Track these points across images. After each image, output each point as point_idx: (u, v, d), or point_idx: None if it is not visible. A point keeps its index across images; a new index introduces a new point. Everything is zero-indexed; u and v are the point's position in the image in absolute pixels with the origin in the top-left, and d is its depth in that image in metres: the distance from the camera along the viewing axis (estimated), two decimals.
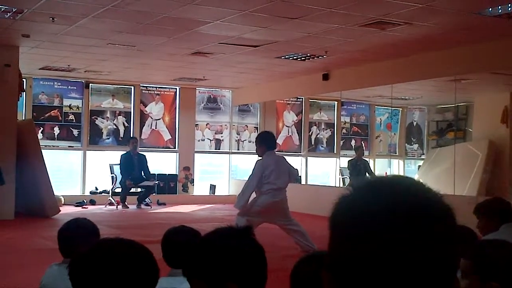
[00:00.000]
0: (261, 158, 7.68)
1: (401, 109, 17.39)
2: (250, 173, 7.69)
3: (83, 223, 3.14)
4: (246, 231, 1.69)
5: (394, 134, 17.63)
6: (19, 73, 10.92)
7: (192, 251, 1.65)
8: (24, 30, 9.39)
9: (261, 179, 7.43)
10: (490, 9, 7.65)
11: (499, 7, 7.57)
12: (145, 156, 13.80)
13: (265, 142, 7.63)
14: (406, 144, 17.64)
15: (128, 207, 12.98)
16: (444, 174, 13.47)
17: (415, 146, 17.72)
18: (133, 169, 13.32)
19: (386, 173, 15.60)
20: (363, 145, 16.35)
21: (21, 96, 11.55)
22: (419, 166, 16.64)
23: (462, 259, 2.07)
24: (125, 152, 13.58)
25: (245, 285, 1.60)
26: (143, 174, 13.56)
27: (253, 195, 7.67)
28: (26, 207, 10.94)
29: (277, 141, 16.03)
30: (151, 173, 13.82)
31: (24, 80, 12.23)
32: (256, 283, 1.63)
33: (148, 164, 13.73)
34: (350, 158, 14.57)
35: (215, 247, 1.62)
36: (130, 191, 13.46)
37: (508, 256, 2.06)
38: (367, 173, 13.93)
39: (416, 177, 15.78)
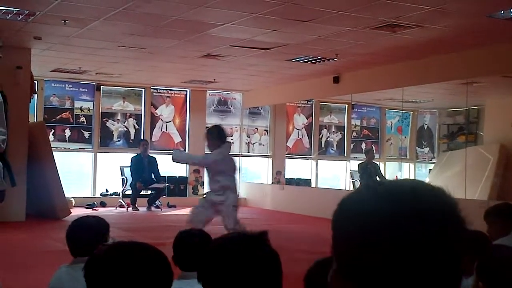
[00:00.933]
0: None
1: (412, 112, 17.33)
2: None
3: (91, 221, 3.15)
4: (260, 237, 1.68)
5: (405, 137, 17.56)
6: (30, 75, 10.97)
7: (206, 258, 1.64)
8: (36, 33, 9.44)
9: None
10: (502, 12, 7.61)
11: (511, 10, 7.53)
12: (155, 158, 13.83)
13: (218, 135, 7.55)
14: (417, 147, 17.56)
15: (138, 209, 13.02)
16: (455, 178, 13.40)
17: (426, 149, 17.64)
18: (143, 171, 13.35)
19: (396, 176, 15.55)
20: (374, 148, 16.30)
21: (32, 98, 11.61)
22: (430, 169, 16.56)
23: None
24: (136, 154, 13.61)
25: None
26: (153, 177, 13.59)
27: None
28: (37, 209, 10.99)
29: (287, 144, 16.13)
30: (161, 175, 13.86)
31: (36, 82, 12.29)
32: None
33: (159, 167, 13.77)
34: (360, 162, 14.53)
35: (230, 254, 1.61)
36: (140, 193, 13.48)
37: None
38: (377, 177, 13.89)
39: (427, 180, 15.73)
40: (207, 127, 7.95)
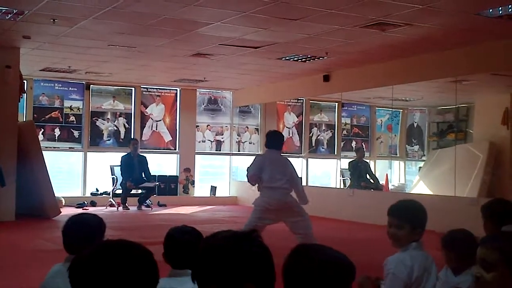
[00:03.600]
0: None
1: (401, 110, 17.38)
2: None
3: (88, 219, 3.14)
4: (252, 233, 1.72)
5: (395, 135, 17.61)
6: (19, 75, 10.92)
7: (201, 256, 1.67)
8: (25, 32, 9.39)
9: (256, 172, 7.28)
10: (491, 10, 7.65)
11: (500, 8, 7.57)
12: (145, 157, 13.80)
13: (266, 140, 7.57)
14: (406, 145, 17.62)
15: (128, 209, 12.99)
16: (445, 176, 13.45)
17: (416, 147, 17.70)
18: (133, 170, 13.32)
19: (387, 174, 15.60)
20: (364, 147, 16.35)
21: (21, 97, 11.55)
22: (420, 167, 16.62)
23: (484, 249, 2.08)
24: (126, 153, 13.58)
25: (260, 285, 1.64)
26: (143, 176, 13.56)
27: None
28: (27, 208, 10.94)
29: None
30: (151, 174, 13.83)
31: (25, 81, 12.23)
32: (268, 283, 1.67)
33: (149, 166, 13.74)
34: (351, 160, 14.57)
35: (228, 252, 1.64)
36: (131, 192, 13.46)
37: None
38: (367, 175, 13.94)
39: (417, 178, 15.80)
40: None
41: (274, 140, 7.43)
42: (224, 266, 1.64)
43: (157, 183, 13.92)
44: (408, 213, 3.25)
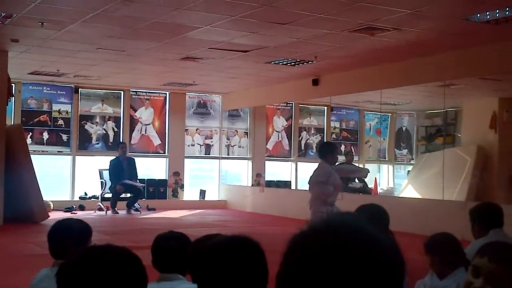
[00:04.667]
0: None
1: (390, 114, 17.46)
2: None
3: (73, 224, 3.13)
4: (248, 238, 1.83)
5: (384, 139, 17.68)
6: (8, 78, 10.86)
7: (199, 259, 1.76)
8: (13, 35, 9.35)
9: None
10: (478, 15, 7.70)
11: (487, 13, 7.63)
12: (133, 159, 13.75)
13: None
14: (395, 149, 17.70)
15: (118, 213, 12.93)
16: (433, 179, 13.52)
17: (404, 151, 17.78)
18: (123, 174, 13.26)
19: (375, 178, 15.64)
20: (353, 150, 16.39)
21: (9, 101, 11.49)
22: (408, 171, 16.69)
23: (485, 261, 2.04)
24: (114, 157, 13.52)
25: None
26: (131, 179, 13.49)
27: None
28: (14, 212, 10.86)
29: (266, 146, 16.15)
30: (138, 176, 13.67)
31: (13, 85, 12.17)
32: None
33: (137, 167, 13.63)
34: (340, 163, 14.59)
35: (224, 254, 1.75)
36: (121, 196, 13.38)
37: None
38: (356, 179, 13.98)
39: (405, 182, 15.85)
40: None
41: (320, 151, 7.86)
42: (219, 268, 1.72)
43: (142, 185, 13.76)
44: (371, 217, 3.25)
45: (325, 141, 8.18)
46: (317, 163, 7.76)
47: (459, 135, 15.60)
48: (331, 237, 0.98)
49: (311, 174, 7.67)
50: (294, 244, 1.01)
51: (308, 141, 16.79)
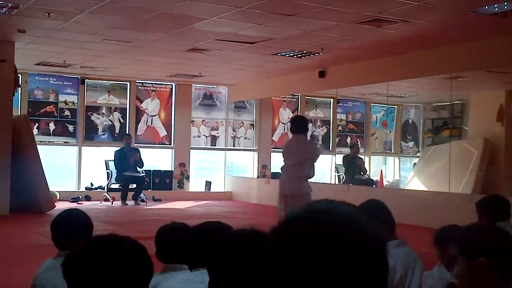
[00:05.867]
0: None
1: (396, 106, 17.41)
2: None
3: (76, 214, 3.15)
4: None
5: (390, 131, 17.64)
6: (14, 69, 10.89)
7: (217, 253, 1.76)
8: (19, 26, 9.36)
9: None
10: (486, 7, 7.66)
11: (495, 5, 7.59)
12: (138, 149, 13.74)
13: (290, 126, 7.58)
14: (401, 141, 17.66)
15: (127, 204, 12.96)
16: (439, 172, 13.49)
17: (411, 143, 17.74)
18: (127, 165, 13.28)
19: (381, 170, 15.62)
20: (359, 143, 16.38)
21: (16, 91, 11.51)
22: (415, 163, 16.66)
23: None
24: (119, 148, 13.54)
25: None
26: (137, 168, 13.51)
27: None
28: (21, 202, 10.91)
29: (272, 138, 16.14)
30: (143, 164, 13.61)
31: (20, 75, 12.19)
32: None
33: (141, 156, 13.60)
34: (345, 154, 14.59)
35: (241, 248, 1.76)
36: (129, 187, 13.35)
37: (492, 236, 2.12)
38: (361, 172, 14.01)
39: (411, 174, 15.83)
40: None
41: (296, 125, 7.45)
42: (236, 262, 1.74)
43: (143, 174, 13.71)
44: (375, 214, 3.25)
45: (298, 115, 8.06)
46: (299, 140, 7.38)
47: (465, 127, 15.55)
48: (316, 224, 0.97)
49: (294, 147, 7.29)
50: (277, 232, 1.01)
51: (314, 133, 16.77)
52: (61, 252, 2.92)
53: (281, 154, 7.52)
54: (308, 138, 7.73)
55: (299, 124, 7.36)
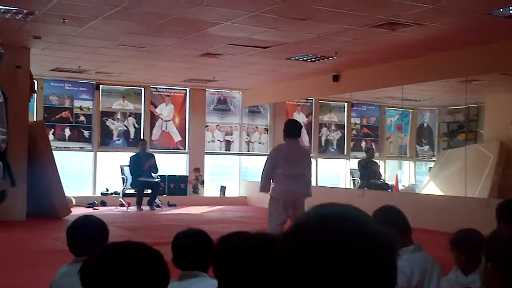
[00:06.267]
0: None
1: (411, 110, 17.33)
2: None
3: (91, 220, 3.16)
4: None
5: (405, 135, 17.57)
6: (30, 75, 10.97)
7: (225, 257, 1.76)
8: (35, 32, 9.43)
9: (273, 165, 7.04)
10: (501, 9, 7.61)
11: (510, 7, 7.53)
12: (153, 154, 13.79)
13: (285, 130, 7.21)
14: (416, 145, 17.58)
15: (142, 209, 13.00)
16: (455, 176, 13.40)
17: (426, 147, 17.66)
18: (142, 171, 13.32)
19: (396, 175, 15.55)
20: (374, 147, 16.32)
21: (32, 97, 11.60)
22: (430, 167, 16.57)
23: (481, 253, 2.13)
24: (134, 154, 13.59)
25: None
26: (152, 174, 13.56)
27: None
28: (37, 208, 10.99)
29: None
30: (157, 169, 13.65)
31: (35, 81, 12.28)
32: None
33: (156, 162, 13.64)
34: (360, 159, 14.54)
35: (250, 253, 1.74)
36: (144, 192, 13.39)
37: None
38: (376, 176, 13.96)
39: (427, 179, 15.74)
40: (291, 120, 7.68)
41: (292, 129, 7.24)
42: (246, 267, 1.74)
43: (158, 179, 13.73)
44: (390, 220, 3.23)
45: (291, 119, 7.93)
46: (293, 144, 7.24)
47: (481, 131, 15.44)
48: (323, 227, 0.97)
49: (303, 162, 7.15)
50: (286, 237, 1.01)
51: (328, 138, 16.74)
52: (77, 258, 2.93)
53: (273, 160, 7.10)
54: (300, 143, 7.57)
55: (293, 128, 7.22)
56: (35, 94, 12.48)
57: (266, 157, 7.38)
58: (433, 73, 10.70)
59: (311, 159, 7.44)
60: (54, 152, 11.65)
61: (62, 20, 8.47)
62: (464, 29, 8.59)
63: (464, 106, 15.30)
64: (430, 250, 3.45)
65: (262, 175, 7.22)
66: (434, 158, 17.05)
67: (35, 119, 13.08)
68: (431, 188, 14.86)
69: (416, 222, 3.37)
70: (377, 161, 14.90)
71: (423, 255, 3.19)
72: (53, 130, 13.85)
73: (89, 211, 12.55)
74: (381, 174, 14.58)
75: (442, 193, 13.68)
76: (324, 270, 0.93)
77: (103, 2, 7.62)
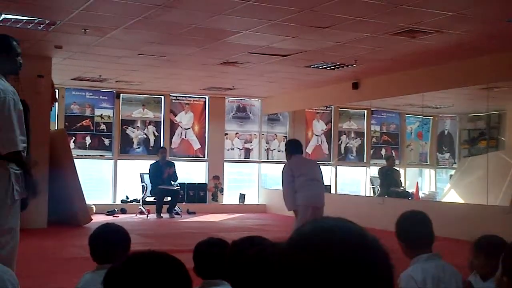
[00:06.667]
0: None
1: (432, 117, 17.22)
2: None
3: (114, 228, 3.18)
4: None
5: (425, 143, 17.45)
6: (51, 84, 11.09)
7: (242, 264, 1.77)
8: (56, 42, 9.54)
9: (291, 178, 7.25)
10: None
11: None
12: (173, 163, 13.85)
13: (290, 148, 7.59)
14: (437, 153, 17.44)
15: (162, 217, 13.05)
16: (477, 184, 13.27)
17: (447, 155, 17.51)
18: (162, 179, 13.38)
19: (417, 182, 15.44)
20: (394, 154, 16.24)
21: (53, 106, 11.72)
22: (451, 175, 16.43)
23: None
24: (154, 161, 13.66)
25: None
26: (171, 182, 13.61)
27: None
28: (58, 215, 11.08)
29: (306, 150, 16.10)
30: (177, 178, 13.71)
31: (57, 90, 12.42)
32: None
33: (176, 171, 13.70)
34: (381, 166, 14.46)
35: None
36: (164, 200, 13.45)
37: None
38: (396, 183, 13.86)
39: (448, 186, 15.61)
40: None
41: (295, 146, 7.64)
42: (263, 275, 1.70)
43: (178, 186, 13.76)
44: (408, 226, 3.25)
45: (291, 139, 8.53)
46: (300, 157, 7.72)
47: (503, 138, 15.29)
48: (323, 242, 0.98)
49: (317, 169, 7.59)
50: (285, 250, 1.02)
51: (348, 145, 16.68)
52: (100, 266, 2.95)
53: (291, 172, 7.29)
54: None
55: (297, 146, 7.66)
56: (57, 103, 12.61)
57: (281, 177, 7.45)
58: (454, 80, 10.63)
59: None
60: (75, 160, 11.74)
61: (83, 30, 8.56)
62: (485, 37, 8.53)
63: (486, 113, 15.17)
64: (450, 259, 3.42)
65: (284, 193, 7.36)
66: (455, 166, 16.90)
67: (56, 128, 13.21)
68: (452, 196, 14.72)
69: (436, 230, 3.34)
70: (397, 168, 14.81)
71: (437, 264, 3.16)
72: (74, 138, 13.97)
73: (109, 218, 12.63)
74: (401, 182, 14.47)
75: (463, 201, 13.55)
76: (320, 284, 0.94)
77: (124, 12, 7.69)
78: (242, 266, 1.87)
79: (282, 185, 7.39)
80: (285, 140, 16.17)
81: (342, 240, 0.98)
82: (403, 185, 14.70)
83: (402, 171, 15.96)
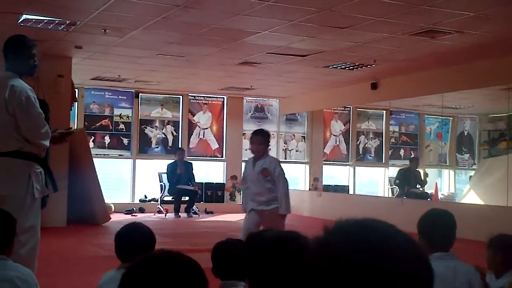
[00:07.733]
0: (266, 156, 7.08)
1: (451, 118, 17.08)
2: (281, 174, 7.05)
3: (140, 227, 3.21)
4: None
5: (445, 143, 17.31)
6: (71, 84, 11.18)
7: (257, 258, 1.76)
8: (77, 42, 9.62)
9: None
10: None
11: None
12: (191, 163, 13.89)
13: (269, 139, 7.08)
14: (456, 154, 17.30)
15: (180, 216, 13.10)
16: (497, 185, 13.15)
17: (466, 156, 17.36)
18: (179, 178, 13.43)
19: (436, 183, 15.33)
20: (413, 155, 16.14)
21: (73, 106, 11.81)
22: (470, 176, 16.29)
23: None
24: (172, 161, 13.71)
25: None
26: (189, 183, 13.65)
27: None
28: (77, 214, 11.15)
29: (324, 150, 16.07)
30: (195, 179, 13.76)
31: (76, 90, 12.50)
32: None
33: (193, 171, 13.75)
34: (401, 167, 14.38)
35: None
36: (182, 200, 13.49)
37: None
38: (417, 184, 13.78)
39: (467, 187, 15.48)
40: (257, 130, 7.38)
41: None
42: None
43: (195, 187, 13.77)
44: (428, 225, 3.20)
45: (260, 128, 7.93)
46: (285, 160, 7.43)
47: None
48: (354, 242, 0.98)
49: (274, 165, 6.93)
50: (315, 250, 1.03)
51: (366, 146, 16.62)
52: (123, 264, 2.98)
53: None
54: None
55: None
56: (76, 103, 12.70)
57: (282, 173, 7.04)
58: (474, 81, 10.54)
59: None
60: (94, 159, 11.82)
61: (103, 30, 8.62)
62: (505, 37, 8.45)
63: (506, 114, 15.01)
64: (469, 261, 3.39)
65: (288, 191, 6.96)
66: (474, 167, 16.76)
67: (76, 127, 13.30)
68: (471, 197, 14.60)
69: (456, 232, 3.32)
70: (419, 170, 14.69)
71: (448, 264, 3.09)
72: (93, 137, 14.07)
73: (128, 217, 12.70)
74: (426, 181, 14.28)
75: (483, 202, 13.43)
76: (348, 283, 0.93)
77: (143, 13, 7.74)
78: (259, 255, 1.88)
79: (285, 181, 6.94)
80: (304, 141, 16.13)
81: (395, 248, 0.95)
82: (426, 184, 14.54)
83: (421, 172, 15.86)
